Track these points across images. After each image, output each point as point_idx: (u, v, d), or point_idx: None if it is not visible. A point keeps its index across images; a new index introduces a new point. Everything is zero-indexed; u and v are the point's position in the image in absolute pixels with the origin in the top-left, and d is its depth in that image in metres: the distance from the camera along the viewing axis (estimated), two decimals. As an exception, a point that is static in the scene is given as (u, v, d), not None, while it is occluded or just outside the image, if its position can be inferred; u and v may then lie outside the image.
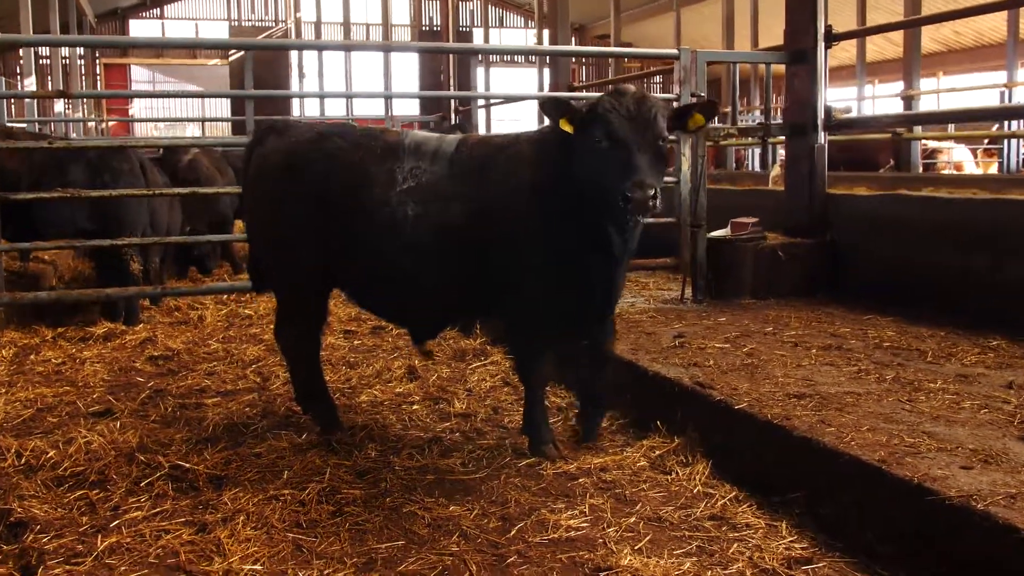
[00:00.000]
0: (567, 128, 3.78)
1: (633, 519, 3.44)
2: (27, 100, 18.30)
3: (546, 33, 31.51)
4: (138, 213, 6.86)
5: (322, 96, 9.72)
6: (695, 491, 3.71)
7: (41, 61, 28.35)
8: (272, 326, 7.25)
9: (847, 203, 6.82)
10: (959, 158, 19.83)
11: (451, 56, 28.73)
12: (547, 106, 3.84)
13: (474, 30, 39.82)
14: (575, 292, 4.07)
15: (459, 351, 6.18)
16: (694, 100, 6.58)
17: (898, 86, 22.05)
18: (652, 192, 3.48)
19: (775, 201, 7.61)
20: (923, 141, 16.78)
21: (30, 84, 17.46)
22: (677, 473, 3.89)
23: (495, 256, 4.05)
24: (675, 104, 6.72)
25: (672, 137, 6.63)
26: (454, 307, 4.40)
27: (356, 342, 6.69)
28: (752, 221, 6.76)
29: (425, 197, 4.11)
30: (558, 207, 3.93)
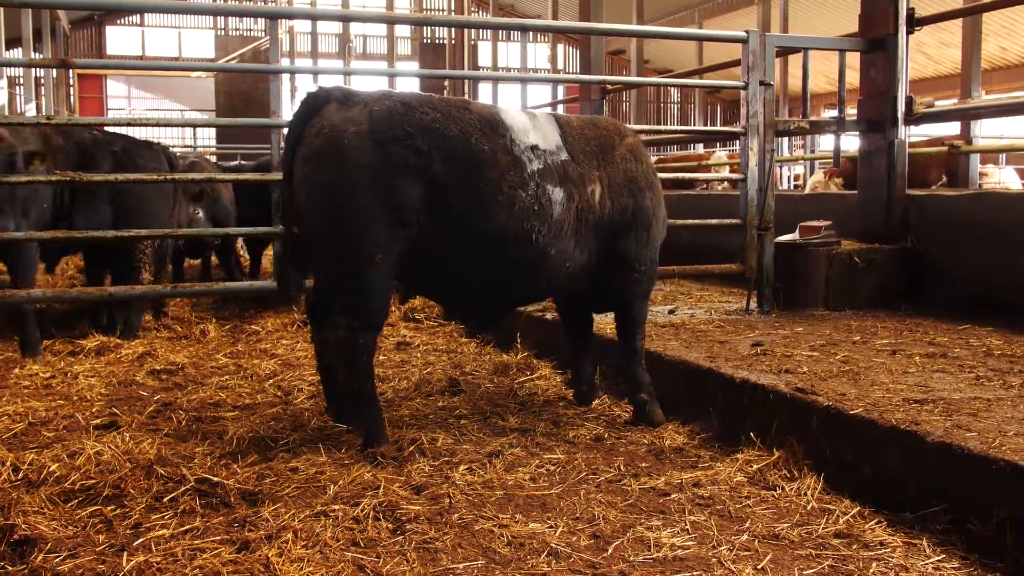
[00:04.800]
0: None
1: (745, 537, 3.21)
2: (-1, 106, 18.27)
3: (560, 48, 31.61)
4: (157, 212, 6.60)
5: (316, 72, 9.49)
6: (809, 507, 3.47)
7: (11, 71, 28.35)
8: (284, 341, 7.18)
9: (933, 204, 6.63)
10: (1007, 180, 19.75)
11: (456, 71, 28.73)
12: None
13: (480, 43, 40.06)
14: None
15: (500, 366, 5.95)
16: (763, 88, 6.44)
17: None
18: None
19: (844, 205, 7.43)
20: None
21: (2, 87, 17.45)
22: (783, 488, 3.66)
23: (632, 230, 4.72)
24: (742, 92, 6.60)
25: (740, 128, 6.57)
26: (568, 287, 4.75)
27: (382, 357, 6.47)
28: (824, 224, 6.57)
29: (563, 179, 4.44)
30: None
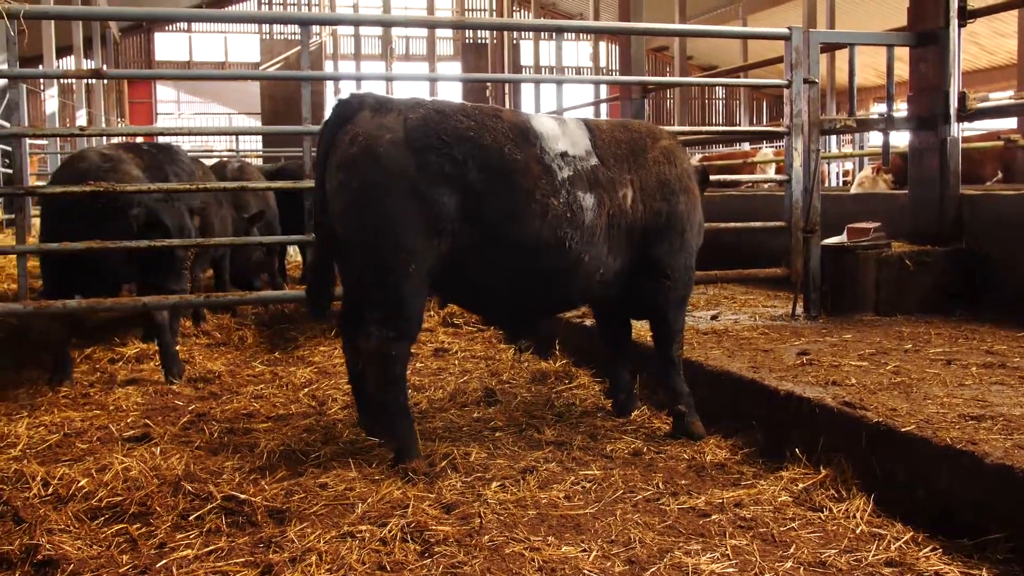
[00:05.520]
0: None
1: (790, 564, 3.03)
2: (48, 114, 18.56)
3: (602, 46, 31.32)
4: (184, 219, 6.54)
5: (359, 79, 9.39)
6: (859, 531, 3.28)
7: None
8: (321, 348, 7.10)
9: (988, 203, 6.35)
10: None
11: (496, 75, 28.63)
12: None
13: (522, 42, 39.93)
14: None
15: (539, 373, 5.81)
16: (807, 86, 6.21)
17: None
18: None
19: (894, 205, 7.16)
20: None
21: (52, 95, 17.69)
22: (831, 510, 3.47)
23: (665, 236, 4.60)
24: (786, 91, 6.39)
25: (783, 128, 6.36)
26: (602, 294, 4.66)
27: (419, 364, 6.36)
28: (873, 226, 6.32)
29: (593, 185, 4.36)
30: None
